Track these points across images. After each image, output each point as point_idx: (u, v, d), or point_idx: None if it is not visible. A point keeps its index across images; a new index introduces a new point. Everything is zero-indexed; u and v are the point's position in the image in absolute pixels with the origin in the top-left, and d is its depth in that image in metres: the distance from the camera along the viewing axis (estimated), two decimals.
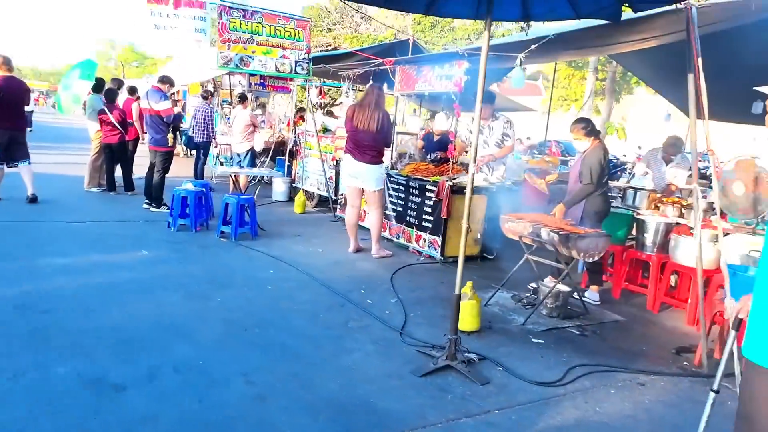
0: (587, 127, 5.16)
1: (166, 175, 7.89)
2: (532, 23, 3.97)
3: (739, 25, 4.71)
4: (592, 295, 5.29)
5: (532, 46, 4.89)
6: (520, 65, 5.27)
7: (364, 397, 3.13)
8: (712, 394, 2.41)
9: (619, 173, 14.51)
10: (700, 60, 3.51)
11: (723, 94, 7.79)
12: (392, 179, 6.84)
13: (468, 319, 4.14)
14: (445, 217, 6.06)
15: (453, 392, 3.26)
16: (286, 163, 10.00)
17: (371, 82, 7.71)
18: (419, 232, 6.50)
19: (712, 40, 5.26)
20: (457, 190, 6.10)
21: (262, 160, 11.07)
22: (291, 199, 9.64)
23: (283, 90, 12.14)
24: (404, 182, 6.74)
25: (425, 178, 6.42)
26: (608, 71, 17.98)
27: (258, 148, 10.04)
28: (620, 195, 6.21)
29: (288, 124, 12.49)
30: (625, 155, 18.23)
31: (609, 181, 5.63)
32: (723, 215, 5.54)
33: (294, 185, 9.70)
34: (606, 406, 3.28)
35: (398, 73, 6.91)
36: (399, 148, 7.59)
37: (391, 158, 7.15)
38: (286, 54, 8.17)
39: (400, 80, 6.90)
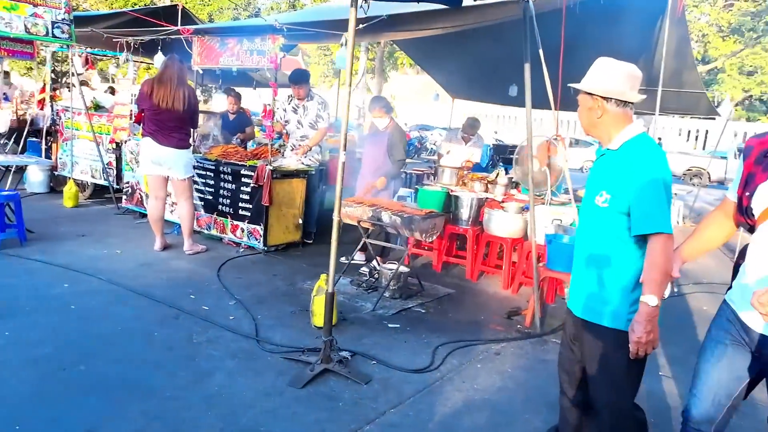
0: (387, 105, 5.60)
1: None
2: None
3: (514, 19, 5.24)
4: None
5: (361, 25, 4.74)
6: (345, 44, 5.10)
7: (250, 426, 2.71)
8: None
9: None
10: (541, 51, 3.79)
11: (492, 80, 8.87)
12: (198, 164, 6.10)
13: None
14: (266, 204, 5.64)
15: (342, 399, 3.05)
16: (43, 146, 8.20)
17: (159, 52, 6.70)
18: (235, 222, 5.95)
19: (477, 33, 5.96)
20: (277, 175, 5.73)
21: (3, 142, 8.91)
22: (53, 190, 7.99)
23: (23, 56, 9.82)
24: (213, 167, 6.07)
25: (240, 163, 5.87)
26: (377, 51, 18.90)
27: (1, 128, 8.02)
28: (432, 173, 6.56)
29: (31, 97, 10.29)
30: None
31: None
32: (518, 187, 6.29)
33: (57, 173, 8.04)
34: (481, 381, 3.42)
35: (196, 44, 6.09)
36: (201, 129, 6.79)
37: (193, 141, 6.37)
38: (39, 12, 6.62)
39: (200, 53, 6.10)
